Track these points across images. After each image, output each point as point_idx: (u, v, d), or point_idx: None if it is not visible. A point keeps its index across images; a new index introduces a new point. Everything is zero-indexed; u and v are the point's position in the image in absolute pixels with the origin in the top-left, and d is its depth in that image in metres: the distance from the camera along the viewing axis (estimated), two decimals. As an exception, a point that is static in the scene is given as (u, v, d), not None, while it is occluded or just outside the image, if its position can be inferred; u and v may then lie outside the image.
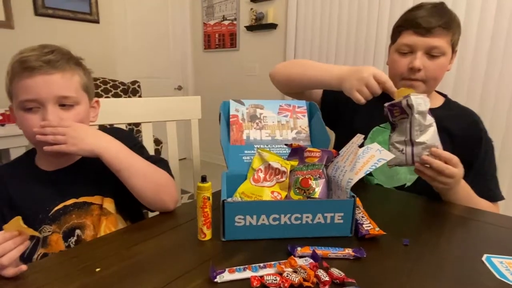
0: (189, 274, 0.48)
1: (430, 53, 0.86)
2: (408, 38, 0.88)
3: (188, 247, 0.57)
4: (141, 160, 0.70)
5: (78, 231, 0.69)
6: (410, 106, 0.70)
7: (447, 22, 0.84)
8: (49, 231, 0.67)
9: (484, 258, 0.54)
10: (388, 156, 0.60)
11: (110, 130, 0.84)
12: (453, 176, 0.72)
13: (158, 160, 0.77)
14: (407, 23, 0.89)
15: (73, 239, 0.68)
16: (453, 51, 0.90)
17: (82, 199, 0.71)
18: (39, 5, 2.50)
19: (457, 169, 0.72)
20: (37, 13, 2.50)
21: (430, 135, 0.71)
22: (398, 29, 0.92)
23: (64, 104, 0.66)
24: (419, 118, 0.70)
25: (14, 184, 0.70)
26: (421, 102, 0.69)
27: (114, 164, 0.66)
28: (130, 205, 0.74)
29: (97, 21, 2.86)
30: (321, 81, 0.91)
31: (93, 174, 0.73)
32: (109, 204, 0.73)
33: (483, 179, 0.88)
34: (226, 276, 0.46)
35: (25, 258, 0.65)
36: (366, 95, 0.78)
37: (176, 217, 0.69)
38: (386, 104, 0.75)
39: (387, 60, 0.99)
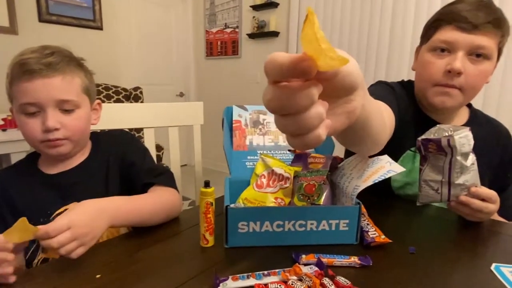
0: (191, 281, 0.47)
1: (474, 54, 0.72)
2: (448, 34, 0.72)
3: (191, 253, 0.56)
4: (146, 201, 0.66)
5: None
6: (451, 148, 0.61)
7: (498, 19, 0.70)
8: None
9: (493, 267, 0.52)
10: (399, 169, 0.58)
11: (112, 133, 0.84)
12: (490, 213, 0.66)
13: (163, 172, 0.75)
14: (448, 16, 0.73)
15: None
16: (498, 57, 0.76)
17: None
18: (43, 11, 2.52)
19: (495, 205, 0.65)
20: (41, 19, 2.53)
21: (470, 175, 0.64)
22: (435, 24, 0.76)
23: (67, 109, 0.65)
24: (461, 160, 0.62)
25: (15, 187, 0.69)
26: (464, 142, 0.61)
27: (127, 224, 0.63)
28: None
29: (100, 28, 2.89)
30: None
31: (96, 177, 0.72)
32: None
33: (510, 200, 0.82)
34: (230, 284, 0.45)
35: (25, 263, 0.64)
36: None
37: (178, 223, 0.68)
38: (419, 139, 0.65)
39: (412, 65, 0.85)
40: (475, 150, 0.65)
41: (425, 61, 0.78)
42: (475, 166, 0.64)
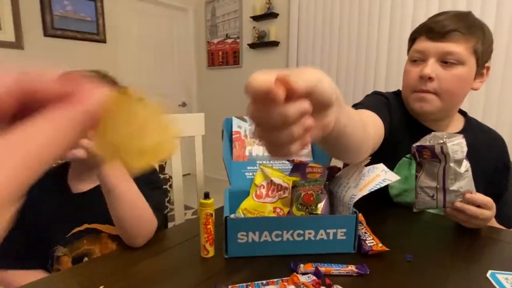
0: (192, 291, 0.49)
1: (444, 60, 0.75)
2: (421, 44, 0.78)
3: (191, 264, 0.57)
4: (134, 189, 0.66)
5: (86, 259, 0.70)
6: (445, 154, 0.63)
7: (466, 27, 0.74)
8: (61, 253, 0.69)
9: (488, 274, 0.53)
10: (394, 177, 0.60)
11: None
12: (486, 220, 0.67)
13: (159, 209, 0.73)
14: (422, 29, 0.79)
15: None
16: (482, 65, 0.78)
17: (93, 226, 0.72)
18: (49, 26, 2.58)
19: (491, 211, 0.66)
20: (46, 34, 2.59)
21: (465, 182, 0.65)
22: (412, 38, 0.83)
23: None
24: (455, 167, 0.64)
25: (41, 198, 0.72)
26: (457, 149, 0.62)
27: (107, 182, 0.62)
28: None
29: (104, 41, 2.94)
30: None
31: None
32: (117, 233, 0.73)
33: (506, 207, 0.83)
34: (229, 293, 0.47)
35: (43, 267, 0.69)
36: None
37: (179, 234, 0.70)
38: (414, 145, 0.68)
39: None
40: (469, 157, 0.66)
41: (405, 70, 0.84)
42: (469, 173, 0.66)
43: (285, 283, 0.48)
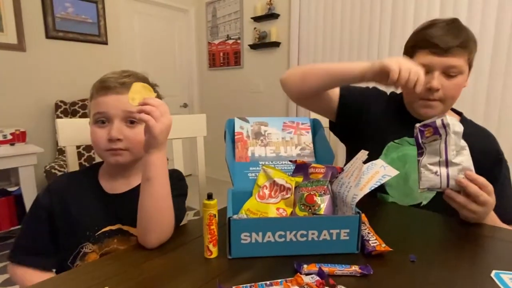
0: (196, 292, 0.49)
1: (448, 73, 0.83)
2: (425, 58, 0.84)
3: (195, 265, 0.57)
4: (168, 185, 0.67)
5: None
6: (445, 126, 0.67)
7: (464, 41, 0.82)
8: (90, 249, 0.70)
9: (493, 274, 0.53)
10: (393, 172, 0.61)
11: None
12: (485, 204, 0.68)
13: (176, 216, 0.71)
14: (423, 43, 0.85)
15: None
16: (470, 68, 0.88)
17: (126, 228, 0.73)
18: (50, 28, 2.60)
19: (490, 197, 0.68)
20: (48, 36, 2.60)
21: (465, 158, 0.68)
22: (412, 49, 0.88)
23: (132, 120, 0.71)
24: (455, 138, 0.68)
25: (73, 195, 0.73)
26: (455, 123, 0.67)
27: (150, 170, 0.63)
28: None
29: (105, 43, 2.96)
30: (348, 69, 0.84)
31: None
32: None
33: (504, 202, 0.83)
34: (233, 294, 0.47)
35: (67, 264, 0.70)
36: (403, 79, 0.70)
37: (183, 235, 0.70)
38: (418, 125, 0.72)
39: None
40: None
41: None
42: (468, 152, 0.69)
43: (289, 284, 0.48)
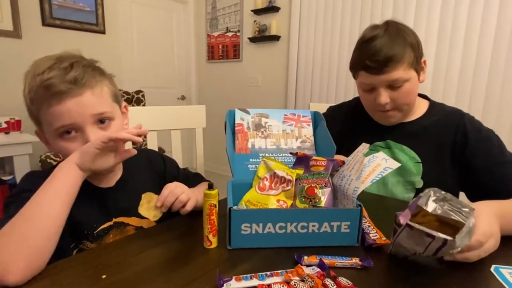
0: (195, 282, 0.48)
1: (392, 85, 0.84)
2: (365, 79, 0.86)
3: (194, 255, 0.57)
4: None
5: None
6: (445, 243, 0.48)
7: (398, 53, 0.80)
8: (87, 247, 0.66)
9: (492, 268, 0.53)
10: (394, 165, 0.60)
11: (146, 151, 0.88)
12: (492, 247, 0.55)
13: (196, 173, 0.92)
14: (359, 64, 0.86)
15: None
16: (419, 65, 0.86)
17: (120, 219, 0.71)
18: (47, 15, 2.55)
19: (492, 241, 0.55)
20: (44, 23, 2.55)
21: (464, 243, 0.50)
22: (353, 70, 0.91)
23: (103, 120, 0.64)
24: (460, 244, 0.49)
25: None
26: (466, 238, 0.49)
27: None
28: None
29: (103, 32, 2.91)
30: None
31: (133, 193, 0.72)
32: (147, 226, 0.72)
33: (497, 171, 0.79)
34: (233, 284, 0.46)
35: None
36: None
37: (182, 225, 0.69)
38: (410, 223, 0.48)
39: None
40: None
41: (360, 95, 0.95)
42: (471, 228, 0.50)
43: (290, 275, 0.47)
